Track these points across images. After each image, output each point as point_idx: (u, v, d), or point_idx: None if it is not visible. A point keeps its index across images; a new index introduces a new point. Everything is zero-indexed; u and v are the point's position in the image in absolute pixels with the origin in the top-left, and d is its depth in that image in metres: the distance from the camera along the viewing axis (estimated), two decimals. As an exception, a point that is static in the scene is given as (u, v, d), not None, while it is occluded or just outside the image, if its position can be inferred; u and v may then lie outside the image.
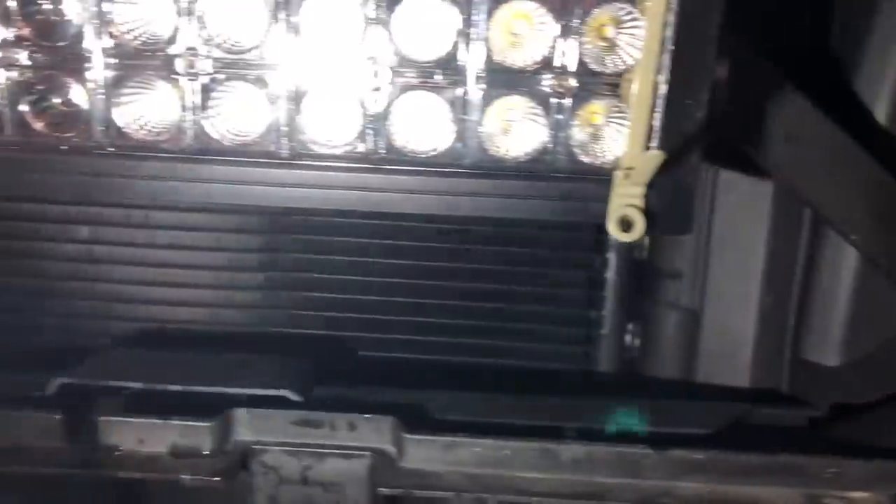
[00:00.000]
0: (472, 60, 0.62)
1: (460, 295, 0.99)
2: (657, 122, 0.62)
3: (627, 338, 0.99)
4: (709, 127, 0.63)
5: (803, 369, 0.89)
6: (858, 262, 0.80)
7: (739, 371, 0.90)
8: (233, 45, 0.61)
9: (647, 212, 0.64)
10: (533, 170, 0.65)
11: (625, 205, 0.63)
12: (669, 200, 0.64)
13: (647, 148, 0.63)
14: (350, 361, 0.94)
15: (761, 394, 0.90)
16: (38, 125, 0.62)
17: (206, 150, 0.63)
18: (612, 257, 1.01)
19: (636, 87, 0.61)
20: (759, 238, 0.82)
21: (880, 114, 0.77)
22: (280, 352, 0.89)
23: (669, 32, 0.60)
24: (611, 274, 1.02)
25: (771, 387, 0.90)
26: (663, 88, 0.61)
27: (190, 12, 0.59)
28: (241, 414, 0.73)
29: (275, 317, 0.90)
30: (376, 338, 1.00)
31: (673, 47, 0.60)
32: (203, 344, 0.87)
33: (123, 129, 0.61)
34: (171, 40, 0.60)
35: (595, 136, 0.65)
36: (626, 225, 0.64)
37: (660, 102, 0.62)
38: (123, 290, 0.87)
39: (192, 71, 0.60)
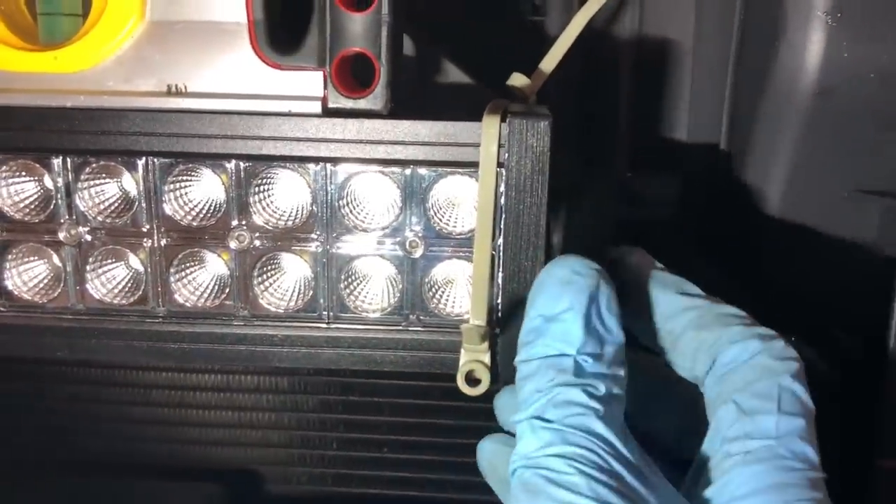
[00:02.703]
0: (333, 225, 0.68)
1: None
2: (500, 281, 0.66)
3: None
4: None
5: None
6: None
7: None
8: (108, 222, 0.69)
9: (493, 367, 0.67)
10: (389, 323, 0.69)
11: (472, 360, 0.66)
12: (510, 355, 0.67)
13: (492, 305, 0.67)
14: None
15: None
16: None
17: (90, 311, 0.70)
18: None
19: (475, 251, 0.65)
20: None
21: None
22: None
23: (503, 201, 0.65)
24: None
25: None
26: (502, 251, 0.65)
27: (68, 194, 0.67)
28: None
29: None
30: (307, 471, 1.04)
31: (505, 214, 0.64)
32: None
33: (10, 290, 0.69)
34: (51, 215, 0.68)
35: (447, 293, 0.69)
36: (473, 380, 0.67)
37: (500, 263, 0.66)
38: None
39: (72, 240, 0.68)
